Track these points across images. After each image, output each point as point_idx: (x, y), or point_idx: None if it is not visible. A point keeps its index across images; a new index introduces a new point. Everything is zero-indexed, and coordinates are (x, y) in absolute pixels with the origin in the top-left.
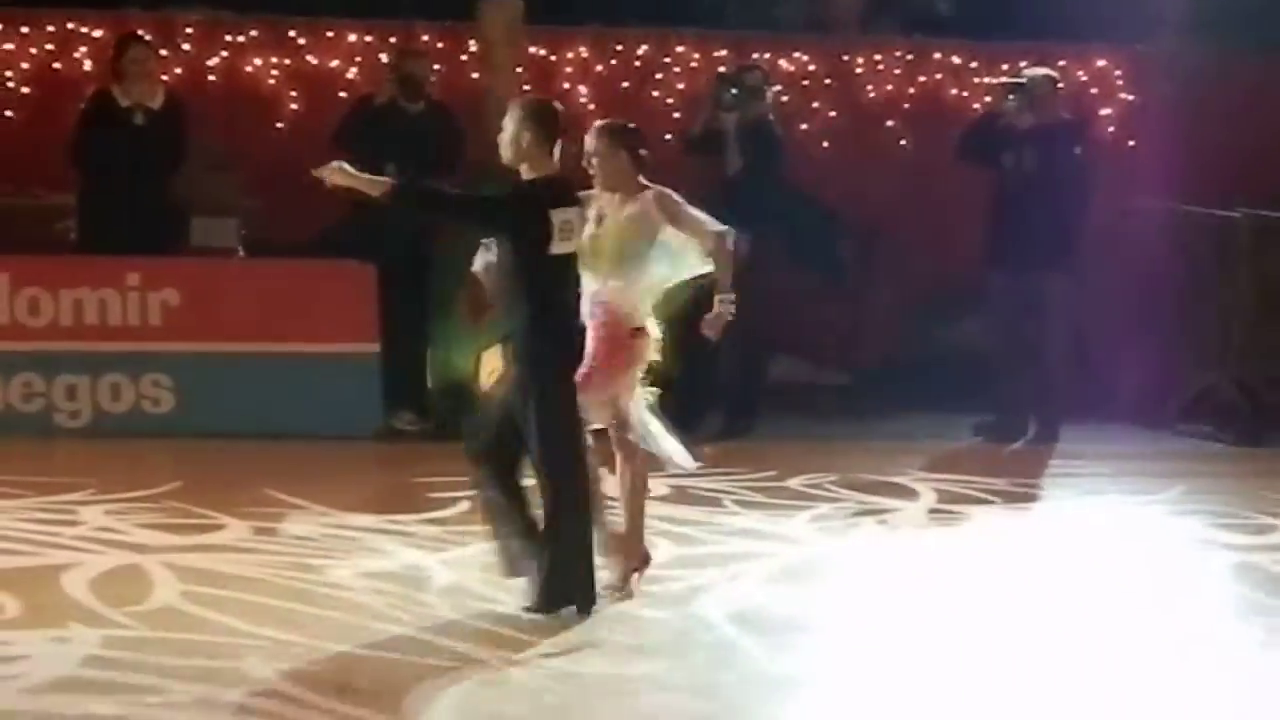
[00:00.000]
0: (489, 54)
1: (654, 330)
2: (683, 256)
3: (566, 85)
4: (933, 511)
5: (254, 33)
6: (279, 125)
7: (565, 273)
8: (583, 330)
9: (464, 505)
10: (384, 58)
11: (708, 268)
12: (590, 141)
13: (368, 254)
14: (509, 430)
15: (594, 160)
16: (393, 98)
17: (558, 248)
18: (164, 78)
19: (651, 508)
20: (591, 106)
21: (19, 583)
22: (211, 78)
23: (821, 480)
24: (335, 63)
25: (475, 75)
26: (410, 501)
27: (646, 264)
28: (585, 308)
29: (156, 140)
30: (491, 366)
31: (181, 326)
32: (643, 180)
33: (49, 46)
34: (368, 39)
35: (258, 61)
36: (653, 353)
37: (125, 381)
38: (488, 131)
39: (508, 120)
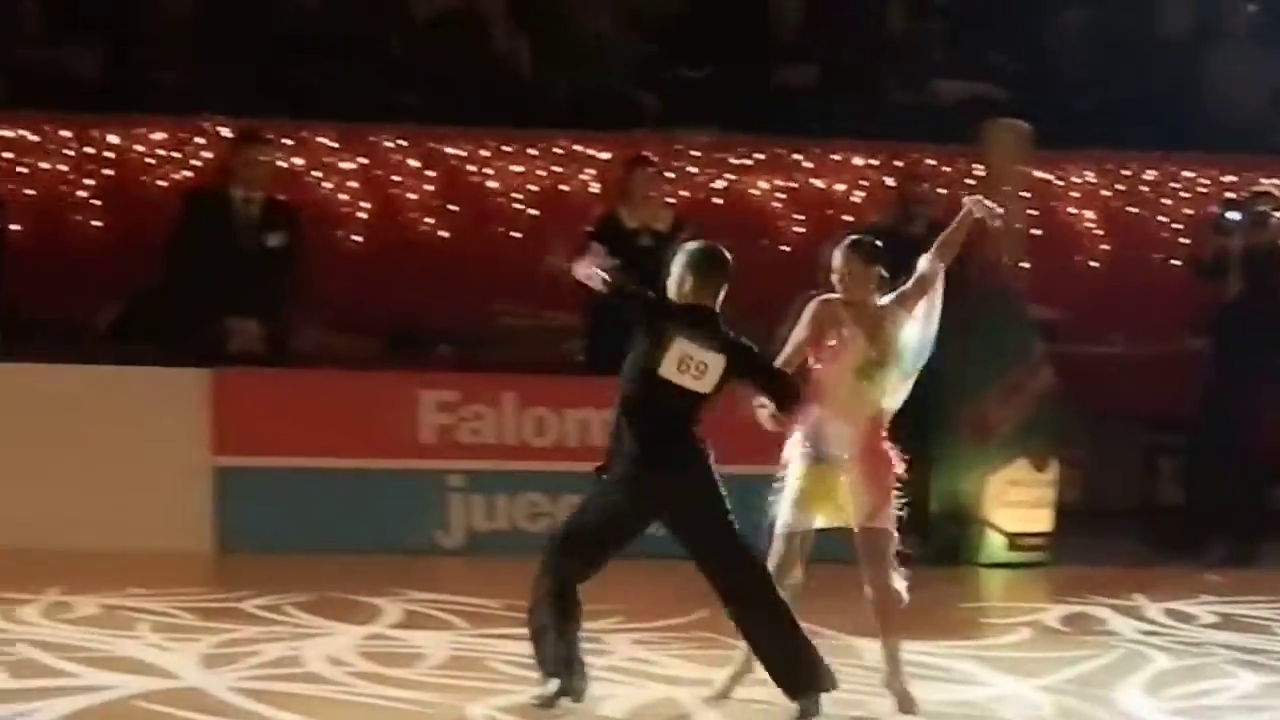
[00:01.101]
0: (994, 177)
1: None
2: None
3: (1072, 210)
4: None
5: (759, 155)
6: (783, 248)
7: (665, 398)
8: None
9: (1024, 632)
10: (888, 181)
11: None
12: (843, 256)
13: None
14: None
15: (846, 276)
16: (896, 221)
17: (669, 372)
18: (670, 200)
19: (1204, 634)
20: (1099, 231)
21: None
22: (717, 200)
23: None
24: (840, 186)
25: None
26: (958, 628)
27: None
28: (841, 436)
29: (664, 262)
30: (995, 491)
31: None
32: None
33: (556, 168)
34: (873, 161)
35: (763, 184)
36: None
37: None
38: (989, 254)
39: (675, 262)
